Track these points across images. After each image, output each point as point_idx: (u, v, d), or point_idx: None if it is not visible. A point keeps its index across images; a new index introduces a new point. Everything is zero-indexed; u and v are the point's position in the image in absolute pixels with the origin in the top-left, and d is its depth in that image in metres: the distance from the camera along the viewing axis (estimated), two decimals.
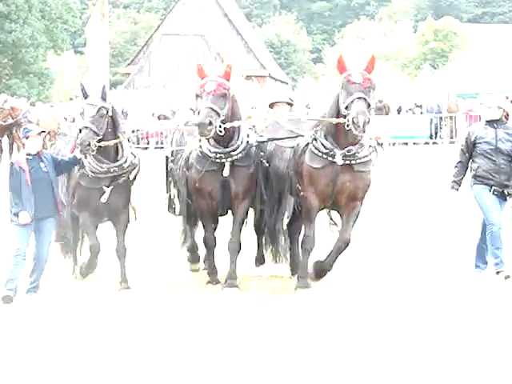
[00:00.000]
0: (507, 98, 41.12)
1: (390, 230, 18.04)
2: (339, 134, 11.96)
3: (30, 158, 12.04)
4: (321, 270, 12.55)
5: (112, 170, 12.33)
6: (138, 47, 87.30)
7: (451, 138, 49.87)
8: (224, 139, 12.14)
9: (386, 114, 52.71)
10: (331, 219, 13.11)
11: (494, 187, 12.93)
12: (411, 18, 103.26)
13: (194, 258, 14.49)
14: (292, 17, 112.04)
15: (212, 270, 13.29)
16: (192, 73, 64.46)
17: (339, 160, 11.88)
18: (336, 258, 12.45)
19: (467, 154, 13.08)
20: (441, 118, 52.19)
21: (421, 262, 14.91)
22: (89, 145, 11.73)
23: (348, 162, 11.99)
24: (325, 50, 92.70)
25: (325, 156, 12.00)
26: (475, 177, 12.97)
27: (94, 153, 12.07)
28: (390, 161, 28.52)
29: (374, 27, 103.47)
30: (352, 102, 11.39)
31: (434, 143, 50.76)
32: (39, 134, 12.57)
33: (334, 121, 11.83)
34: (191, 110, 41.04)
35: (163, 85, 74.12)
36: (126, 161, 12.58)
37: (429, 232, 18.12)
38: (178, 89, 64.49)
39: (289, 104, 16.33)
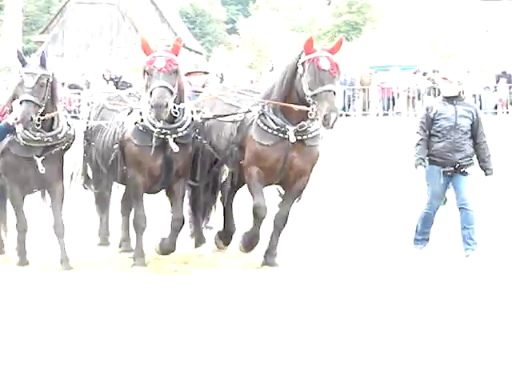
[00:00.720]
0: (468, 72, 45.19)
1: (331, 204, 18.17)
2: (290, 110, 11.64)
3: None
4: (270, 253, 12.41)
5: (46, 139, 11.76)
6: (51, 15, 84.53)
7: (364, 110, 49.78)
8: (170, 115, 11.64)
9: None
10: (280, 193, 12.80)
11: (446, 168, 12.77)
12: None
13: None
14: None
15: (141, 253, 12.57)
16: (105, 42, 65.25)
17: (292, 137, 11.65)
18: (279, 235, 12.40)
19: (427, 131, 12.80)
20: (353, 90, 51.80)
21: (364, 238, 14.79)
22: (31, 120, 11.18)
23: (300, 137, 11.73)
24: (239, 20, 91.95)
25: (275, 132, 11.69)
26: (429, 155, 12.77)
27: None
28: None
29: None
30: (322, 93, 11.03)
31: (347, 115, 48.86)
32: None
33: (297, 107, 11.45)
34: (104, 79, 46.28)
35: (77, 54, 72.27)
36: (61, 131, 12.02)
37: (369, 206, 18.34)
38: (91, 58, 63.84)
39: (205, 73, 16.26)
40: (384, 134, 37.00)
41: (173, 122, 11.84)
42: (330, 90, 11.10)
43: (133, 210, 12.87)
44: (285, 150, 11.78)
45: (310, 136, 11.86)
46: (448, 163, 12.56)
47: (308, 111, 11.29)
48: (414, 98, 48.93)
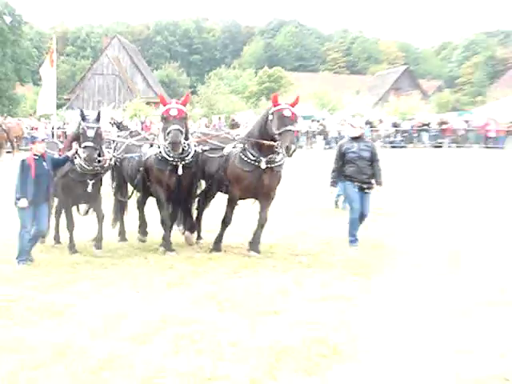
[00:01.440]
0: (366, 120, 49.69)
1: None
2: (263, 146, 12.56)
3: (36, 157, 12.29)
4: (256, 243, 13.26)
5: (96, 169, 12.80)
6: (75, 81, 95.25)
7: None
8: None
9: (238, 127, 48.59)
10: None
11: (357, 184, 13.62)
12: (253, 67, 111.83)
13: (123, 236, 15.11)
14: (177, 64, 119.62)
15: (168, 244, 13.46)
16: (111, 99, 78.71)
17: (263, 165, 12.63)
18: (261, 230, 13.26)
19: (340, 162, 13.80)
20: None
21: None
22: (94, 160, 12.48)
23: (269, 165, 12.68)
24: (198, 86, 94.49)
25: (253, 162, 12.66)
26: (345, 176, 13.75)
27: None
28: None
29: (229, 72, 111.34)
30: (285, 132, 12.04)
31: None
32: (42, 140, 12.86)
33: (267, 143, 12.37)
34: (110, 124, 40.24)
35: (92, 108, 75.51)
36: (106, 163, 13.12)
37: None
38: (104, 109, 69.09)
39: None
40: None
41: (181, 153, 12.81)
42: (290, 130, 12.13)
43: (159, 213, 13.59)
44: (259, 173, 12.73)
45: (275, 164, 12.79)
46: (357, 181, 13.57)
47: (275, 146, 12.36)
48: (310, 136, 54.22)
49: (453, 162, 35.01)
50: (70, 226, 13.39)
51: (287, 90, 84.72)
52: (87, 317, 9.13)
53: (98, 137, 12.60)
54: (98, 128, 12.59)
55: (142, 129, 49.76)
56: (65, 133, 46.51)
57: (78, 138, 12.74)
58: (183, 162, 12.90)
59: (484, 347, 7.84)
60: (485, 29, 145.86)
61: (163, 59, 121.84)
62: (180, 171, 12.91)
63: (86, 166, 12.63)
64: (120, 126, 42.20)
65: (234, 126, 48.71)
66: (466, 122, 52.69)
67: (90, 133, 12.36)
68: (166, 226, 13.57)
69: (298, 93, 71.94)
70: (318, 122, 56.60)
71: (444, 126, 51.18)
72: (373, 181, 13.67)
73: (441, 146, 49.27)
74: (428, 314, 9.21)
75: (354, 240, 13.83)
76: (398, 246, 13.87)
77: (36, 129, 51.14)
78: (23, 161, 12.26)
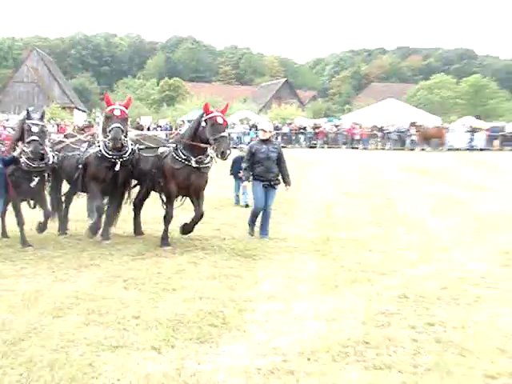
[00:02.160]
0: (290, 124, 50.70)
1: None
2: (194, 148, 12.13)
3: None
4: (187, 231, 12.87)
5: (40, 165, 12.11)
6: (0, 88, 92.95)
7: None
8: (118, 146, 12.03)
9: (142, 129, 51.39)
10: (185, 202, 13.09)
11: (264, 182, 13.16)
12: (156, 77, 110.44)
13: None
14: (89, 74, 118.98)
15: (96, 231, 12.97)
16: (30, 104, 74.41)
17: (194, 164, 12.19)
18: (196, 224, 12.72)
19: (250, 160, 13.29)
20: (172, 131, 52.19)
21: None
22: (39, 153, 11.77)
23: (198, 165, 12.23)
24: (108, 93, 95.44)
25: (184, 161, 12.19)
26: (253, 175, 13.29)
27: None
28: None
29: (135, 82, 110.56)
30: (221, 138, 11.67)
31: None
32: None
33: (202, 145, 11.99)
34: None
35: (14, 111, 76.45)
36: (49, 160, 12.39)
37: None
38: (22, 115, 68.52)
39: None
40: None
41: (119, 151, 12.18)
42: (224, 136, 11.82)
43: (92, 203, 12.83)
44: (189, 172, 12.24)
45: (203, 166, 12.34)
46: (265, 180, 13.16)
47: (205, 148, 12.14)
48: None
49: (324, 160, 35.02)
50: (20, 222, 12.43)
51: (184, 97, 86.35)
52: (7, 294, 9.02)
53: (43, 133, 11.91)
54: (43, 125, 11.97)
55: (58, 131, 51.08)
56: None
57: (21, 138, 12.02)
58: (121, 160, 12.25)
59: (348, 316, 8.06)
60: (351, 47, 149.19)
61: (77, 70, 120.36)
62: (117, 167, 12.27)
63: (30, 164, 11.88)
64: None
65: (138, 128, 50.07)
66: (336, 126, 53.71)
67: (35, 128, 11.66)
68: (99, 214, 12.68)
69: (194, 100, 76.85)
70: (182, 123, 54.04)
71: (317, 130, 51.65)
72: (280, 179, 13.24)
73: (315, 147, 49.53)
74: (302, 290, 9.41)
75: (252, 227, 13.57)
76: (280, 234, 13.77)
77: None
78: None
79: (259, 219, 13.53)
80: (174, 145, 12.44)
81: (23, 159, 11.90)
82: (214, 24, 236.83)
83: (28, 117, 12.01)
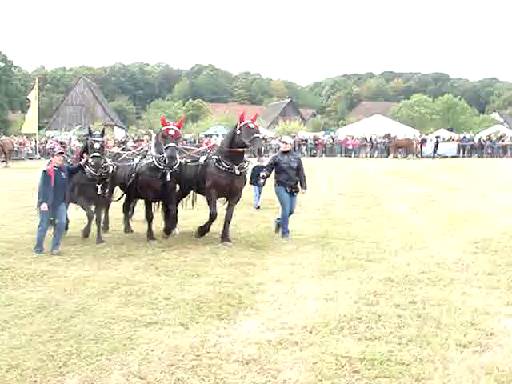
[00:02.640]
0: (293, 136, 49.13)
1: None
2: (235, 157, 11.90)
3: (55, 169, 11.27)
4: (204, 231, 12.55)
5: (102, 174, 11.94)
6: (52, 110, 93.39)
7: None
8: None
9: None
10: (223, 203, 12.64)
11: (287, 188, 12.66)
12: (182, 98, 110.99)
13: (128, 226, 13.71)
14: (126, 97, 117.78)
15: (151, 234, 12.51)
16: (78, 123, 74.17)
17: (237, 172, 11.98)
18: (229, 224, 12.36)
19: (271, 169, 12.74)
20: (196, 143, 54.72)
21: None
22: (101, 166, 11.67)
23: (240, 172, 12.06)
24: (142, 113, 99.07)
25: (227, 169, 11.92)
26: (278, 182, 12.76)
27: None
28: None
29: (164, 103, 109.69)
30: (254, 138, 11.55)
31: None
32: (60, 153, 11.73)
33: (240, 150, 11.80)
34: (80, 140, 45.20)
35: (65, 129, 76.38)
36: (109, 170, 12.23)
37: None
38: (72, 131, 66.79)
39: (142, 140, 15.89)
40: None
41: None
42: (258, 136, 11.77)
43: (145, 209, 12.67)
44: (231, 178, 11.98)
45: (243, 171, 12.21)
46: (288, 186, 12.62)
47: (242, 153, 11.93)
48: None
49: (323, 167, 34.45)
50: (95, 221, 12.31)
51: (206, 115, 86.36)
52: (60, 280, 9.16)
53: (103, 148, 11.77)
54: (103, 141, 11.88)
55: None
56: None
57: (86, 150, 11.90)
58: (170, 171, 11.89)
59: (343, 297, 8.12)
60: (344, 72, 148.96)
61: (116, 94, 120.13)
62: (168, 178, 11.93)
63: (94, 173, 11.72)
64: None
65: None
66: (332, 138, 53.81)
67: (97, 145, 11.56)
68: (150, 220, 12.49)
69: (214, 118, 77.29)
70: (217, 137, 55.13)
71: (317, 141, 51.63)
72: (299, 185, 12.71)
73: (315, 156, 49.36)
74: (305, 274, 9.47)
75: (286, 232, 12.80)
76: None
77: (23, 144, 51.02)
78: (44, 171, 11.27)
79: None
80: (216, 156, 12.11)
81: (87, 169, 11.77)
82: (230, 53, 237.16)
83: (90, 134, 11.93)
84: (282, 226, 12.95)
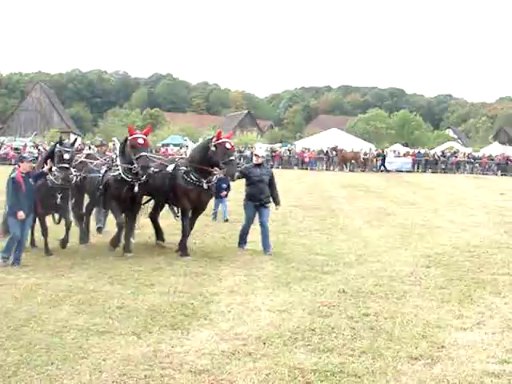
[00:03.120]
0: (266, 149, 49.82)
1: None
2: (203, 172, 11.64)
3: (23, 175, 10.65)
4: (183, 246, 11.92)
5: (65, 184, 11.33)
6: (6, 115, 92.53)
7: None
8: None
9: None
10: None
11: (255, 202, 12.31)
12: (139, 108, 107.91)
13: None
14: (83, 104, 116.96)
15: (117, 243, 12.00)
16: (33, 129, 73.57)
17: (205, 186, 11.74)
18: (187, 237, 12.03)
19: (239, 177, 12.29)
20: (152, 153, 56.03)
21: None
22: (70, 180, 11.17)
23: (207, 186, 11.79)
24: (99, 121, 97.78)
25: (196, 182, 11.66)
26: (246, 195, 12.45)
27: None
28: None
29: (121, 111, 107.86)
30: (230, 161, 11.31)
31: None
32: (30, 160, 11.34)
33: (212, 170, 11.61)
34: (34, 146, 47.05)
35: (19, 135, 73.20)
36: (72, 180, 11.58)
37: None
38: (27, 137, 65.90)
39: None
40: None
41: (137, 174, 11.31)
42: (233, 159, 11.55)
43: (116, 219, 12.07)
44: (199, 191, 11.70)
45: (210, 185, 11.89)
46: (256, 200, 12.27)
47: (211, 171, 11.63)
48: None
49: (279, 179, 33.84)
50: (44, 232, 11.63)
51: (163, 125, 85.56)
52: (11, 287, 8.99)
53: (72, 159, 11.26)
54: (73, 152, 11.36)
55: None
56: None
57: (51, 156, 11.21)
58: (139, 182, 11.41)
59: (297, 308, 8.16)
60: (302, 85, 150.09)
61: (73, 100, 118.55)
62: (136, 189, 11.44)
63: (56, 182, 11.10)
64: (39, 149, 46.39)
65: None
66: (289, 150, 54.00)
67: (67, 156, 10.94)
68: (121, 228, 11.87)
69: (171, 128, 75.81)
70: (187, 147, 55.87)
71: (274, 153, 51.31)
72: (270, 199, 12.40)
73: (272, 167, 47.97)
74: (259, 285, 9.48)
75: (243, 243, 12.68)
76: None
77: None
78: (13, 178, 10.63)
79: (258, 237, 12.52)
80: (185, 167, 11.76)
81: (50, 177, 11.16)
82: (189, 63, 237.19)
83: (60, 143, 11.26)
84: (240, 236, 12.75)
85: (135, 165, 11.11)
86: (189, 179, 11.70)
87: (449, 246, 13.50)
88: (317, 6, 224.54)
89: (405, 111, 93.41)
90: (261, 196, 12.32)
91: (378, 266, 11.11)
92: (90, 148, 27.06)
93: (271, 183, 12.53)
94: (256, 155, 13.02)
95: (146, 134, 11.62)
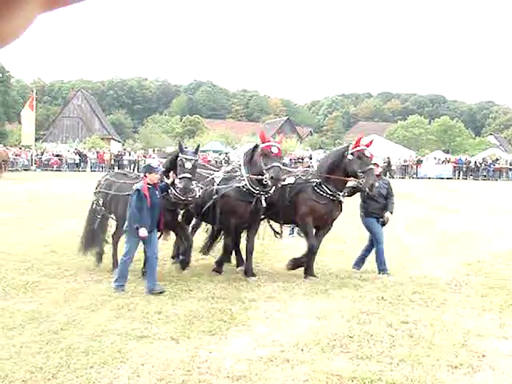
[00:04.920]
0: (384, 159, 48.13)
1: None
2: (339, 183, 10.60)
3: (150, 187, 9.40)
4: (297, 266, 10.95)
5: (188, 199, 9.95)
6: (49, 122, 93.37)
7: None
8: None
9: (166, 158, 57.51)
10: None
11: (379, 219, 11.12)
12: (179, 114, 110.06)
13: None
14: (123, 111, 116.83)
15: (221, 266, 10.89)
16: (75, 136, 74.83)
17: (342, 198, 10.71)
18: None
19: (352, 194, 11.00)
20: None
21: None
22: (191, 191, 9.68)
23: (343, 198, 10.79)
24: (139, 127, 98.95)
25: (329, 196, 10.56)
26: (367, 212, 11.11)
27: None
28: None
29: (162, 118, 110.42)
30: (369, 170, 10.21)
31: None
32: (157, 171, 9.69)
33: (348, 179, 10.62)
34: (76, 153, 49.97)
35: (61, 141, 77.64)
36: (196, 194, 10.10)
37: None
38: (69, 143, 69.25)
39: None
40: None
41: (265, 187, 10.22)
42: (372, 168, 10.31)
43: (224, 239, 11.04)
44: (331, 206, 10.63)
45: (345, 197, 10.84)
46: (380, 217, 11.02)
47: (346, 181, 10.62)
48: (219, 165, 56.03)
49: None
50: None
51: (203, 131, 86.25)
52: (51, 292, 9.14)
53: (194, 169, 9.81)
54: (196, 160, 9.89)
55: (98, 157, 53.35)
56: None
57: (173, 167, 9.91)
58: (267, 195, 10.35)
59: (335, 315, 8.12)
60: (342, 91, 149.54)
61: (114, 107, 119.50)
62: (264, 203, 10.35)
63: (180, 196, 9.69)
64: (81, 155, 51.40)
65: (164, 157, 52.54)
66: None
67: (188, 164, 9.61)
68: (227, 251, 10.95)
69: (210, 134, 77.45)
70: (226, 154, 57.70)
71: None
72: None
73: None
74: (298, 292, 9.47)
75: (385, 268, 11.03)
76: (281, 245, 13.32)
77: (19, 155, 51.53)
78: (138, 190, 9.40)
79: (373, 257, 11.27)
80: (317, 180, 10.61)
81: (172, 191, 9.80)
82: (229, 70, 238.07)
83: (181, 150, 9.91)
84: (379, 262, 11.18)
85: (266, 175, 9.94)
86: (321, 192, 10.60)
87: (490, 254, 13.32)
88: (357, 13, 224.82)
89: (445, 118, 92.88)
90: (382, 212, 11.10)
91: (418, 273, 11.05)
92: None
93: (387, 197, 11.21)
94: (376, 164, 11.11)
95: (279, 143, 10.69)
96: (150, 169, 9.71)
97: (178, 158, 9.85)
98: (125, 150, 61.04)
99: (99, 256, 11.09)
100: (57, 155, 54.49)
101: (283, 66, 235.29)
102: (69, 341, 6.84)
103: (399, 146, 63.56)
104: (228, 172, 11.04)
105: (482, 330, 7.65)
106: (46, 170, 50.18)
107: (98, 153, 55.28)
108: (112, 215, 11.10)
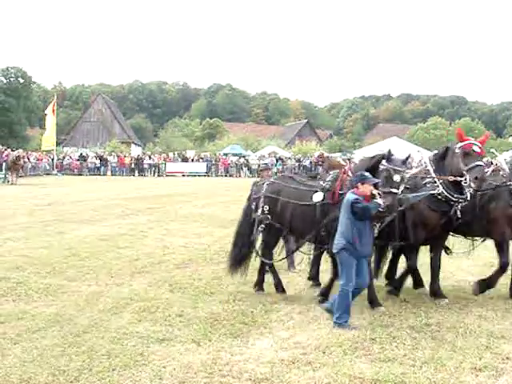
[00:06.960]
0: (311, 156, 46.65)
1: None
2: (456, 184, 8.91)
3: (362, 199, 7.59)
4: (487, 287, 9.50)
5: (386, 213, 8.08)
6: (70, 126, 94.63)
7: (216, 173, 54.90)
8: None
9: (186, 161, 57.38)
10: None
11: None
12: (199, 118, 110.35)
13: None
14: (143, 115, 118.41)
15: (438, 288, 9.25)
16: (95, 140, 76.30)
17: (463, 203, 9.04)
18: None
19: None
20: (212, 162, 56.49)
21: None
22: (396, 210, 8.17)
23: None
24: (159, 131, 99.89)
25: (454, 202, 8.94)
26: None
27: None
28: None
29: (181, 121, 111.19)
30: (474, 167, 8.68)
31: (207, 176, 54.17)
32: (372, 182, 7.70)
33: (452, 178, 8.78)
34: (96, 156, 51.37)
35: (82, 145, 79.68)
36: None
37: None
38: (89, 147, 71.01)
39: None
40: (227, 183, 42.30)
41: (461, 193, 8.87)
42: (479, 164, 8.75)
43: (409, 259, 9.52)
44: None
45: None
46: None
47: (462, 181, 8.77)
48: (239, 168, 55.54)
49: None
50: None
51: (222, 134, 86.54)
52: (73, 295, 9.20)
53: (401, 183, 8.12)
54: (404, 173, 8.27)
55: (118, 161, 53.82)
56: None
57: (372, 175, 8.01)
58: (464, 203, 8.99)
59: (357, 317, 8.01)
60: (362, 93, 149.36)
61: (134, 111, 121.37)
62: (459, 213, 8.98)
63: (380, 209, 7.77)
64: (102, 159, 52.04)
65: (184, 160, 55.67)
66: (349, 159, 53.06)
67: (397, 177, 8.03)
68: (409, 272, 9.69)
69: (230, 137, 77.76)
70: (244, 157, 58.54)
71: None
72: None
73: None
74: (312, 294, 9.31)
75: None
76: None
77: (41, 160, 52.16)
78: (357, 199, 7.62)
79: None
80: (439, 184, 9.04)
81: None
82: (248, 73, 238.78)
83: (388, 158, 8.33)
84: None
85: (466, 176, 8.76)
86: (443, 199, 9.04)
87: None
88: (377, 15, 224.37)
89: (466, 119, 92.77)
90: None
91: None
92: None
93: None
94: None
95: (481, 143, 9.29)
96: (364, 178, 7.80)
97: (383, 167, 8.30)
98: (145, 153, 61.69)
99: (260, 281, 9.81)
100: (81, 156, 55.65)
101: (303, 69, 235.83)
102: (91, 344, 6.87)
103: (420, 147, 63.09)
104: (409, 179, 8.99)
105: (505, 332, 7.58)
106: (67, 174, 50.77)
107: (118, 157, 56.05)
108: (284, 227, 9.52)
